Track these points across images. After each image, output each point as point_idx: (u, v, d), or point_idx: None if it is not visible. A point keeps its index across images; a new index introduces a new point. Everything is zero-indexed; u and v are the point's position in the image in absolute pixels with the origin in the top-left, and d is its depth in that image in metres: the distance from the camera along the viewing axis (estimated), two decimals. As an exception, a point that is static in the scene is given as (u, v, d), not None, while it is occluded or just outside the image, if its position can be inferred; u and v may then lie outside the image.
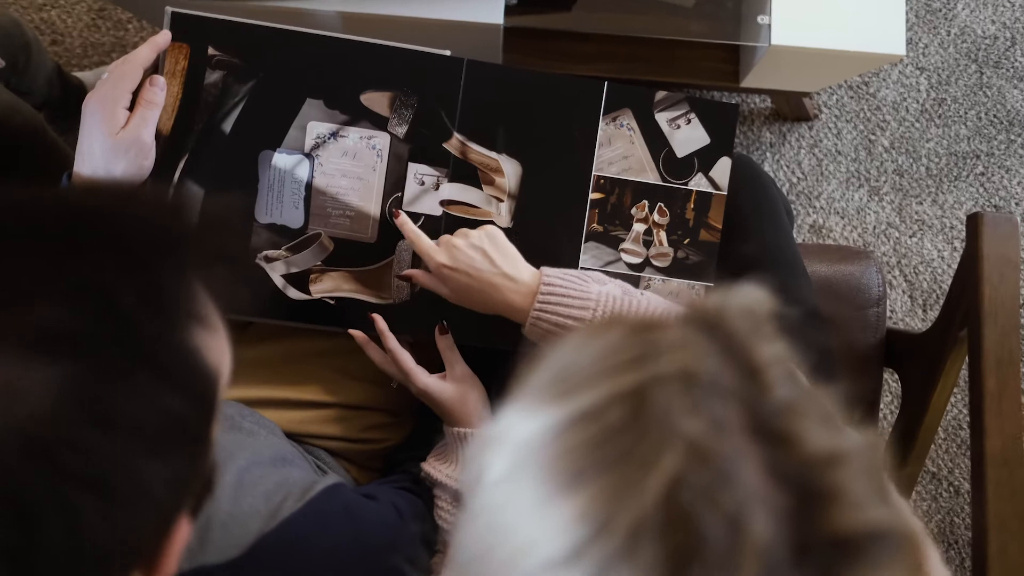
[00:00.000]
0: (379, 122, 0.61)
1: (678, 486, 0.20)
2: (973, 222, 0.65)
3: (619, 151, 0.63)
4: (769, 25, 0.86)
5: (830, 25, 0.86)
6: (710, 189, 0.64)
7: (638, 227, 0.63)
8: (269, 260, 0.62)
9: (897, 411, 0.84)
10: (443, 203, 0.62)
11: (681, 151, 0.63)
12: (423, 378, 0.57)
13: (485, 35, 0.93)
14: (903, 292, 1.18)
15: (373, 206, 0.62)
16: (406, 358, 0.57)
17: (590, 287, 0.53)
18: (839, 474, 0.20)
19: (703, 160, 0.63)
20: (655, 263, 0.63)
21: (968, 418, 0.75)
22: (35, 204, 0.28)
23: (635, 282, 0.63)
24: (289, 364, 0.63)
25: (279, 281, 0.62)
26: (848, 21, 0.87)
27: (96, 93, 0.55)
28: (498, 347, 0.61)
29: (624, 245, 0.63)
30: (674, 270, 0.63)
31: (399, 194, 0.62)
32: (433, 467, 0.56)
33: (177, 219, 0.30)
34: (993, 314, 0.61)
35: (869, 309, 0.78)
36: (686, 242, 0.64)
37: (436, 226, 0.62)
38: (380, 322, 0.59)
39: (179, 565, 0.29)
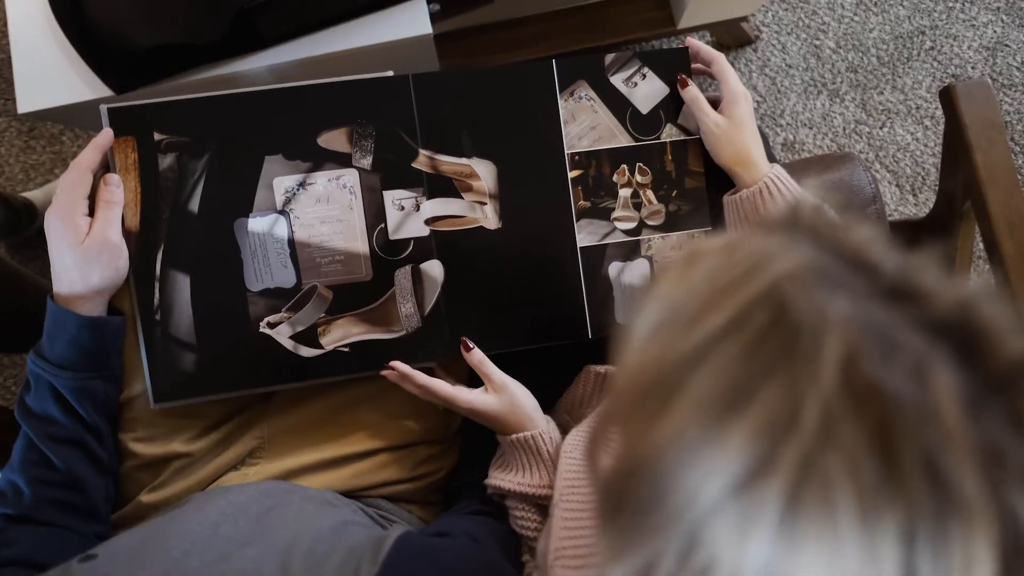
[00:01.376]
0: (343, 160, 0.60)
1: (852, 363, 0.20)
2: (947, 96, 0.65)
3: (585, 123, 0.62)
4: (690, -39, 0.86)
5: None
6: (682, 137, 0.63)
7: (624, 192, 0.62)
8: (272, 325, 0.61)
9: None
10: (428, 222, 0.61)
11: (645, 107, 0.63)
12: (465, 397, 0.56)
13: (417, 49, 0.92)
14: (889, 183, 1.18)
15: (360, 244, 0.61)
16: (441, 386, 0.56)
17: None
18: (982, 313, 0.21)
19: (668, 110, 0.63)
20: (650, 223, 0.63)
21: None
22: None
23: (635, 246, 0.62)
24: (325, 423, 0.62)
25: (288, 344, 0.61)
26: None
27: (52, 209, 0.54)
28: (525, 347, 0.61)
29: (615, 214, 0.62)
30: (670, 224, 0.63)
31: (383, 225, 0.61)
32: (499, 478, 0.55)
33: None
34: (992, 179, 0.61)
35: (868, 208, 0.78)
36: (674, 194, 0.63)
37: (428, 246, 0.61)
38: (400, 366, 0.58)
39: None
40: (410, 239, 0.61)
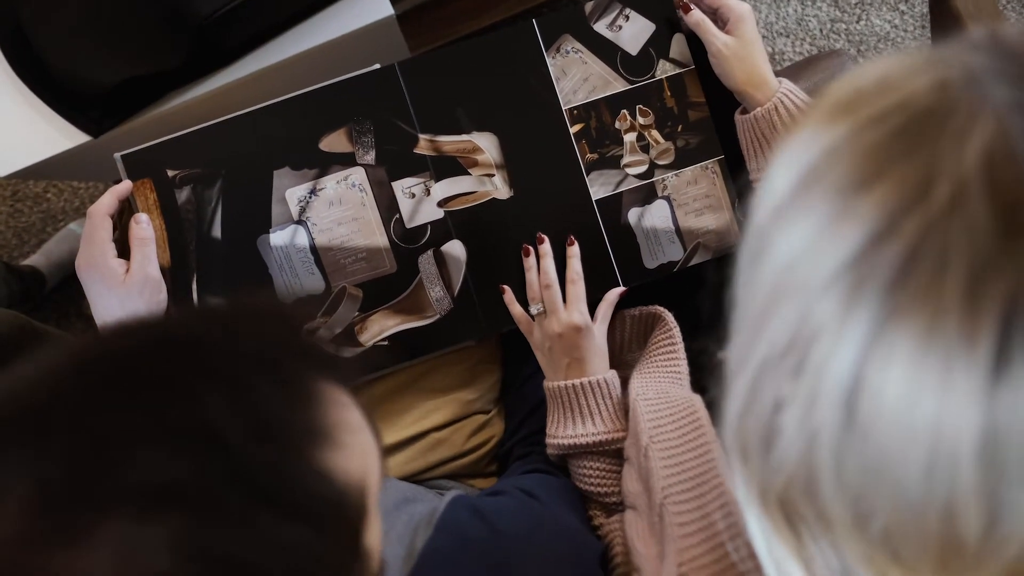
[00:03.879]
0: (347, 160, 0.60)
1: (1000, 144, 0.19)
2: None
3: (577, 76, 0.62)
4: None
5: None
6: (677, 70, 0.62)
7: (629, 137, 0.62)
8: (311, 333, 0.62)
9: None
10: (441, 204, 0.62)
11: (634, 48, 0.62)
12: (581, 319, 0.57)
13: (382, 32, 0.90)
14: (873, 77, 1.18)
15: (380, 238, 0.62)
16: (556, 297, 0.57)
17: None
18: None
19: (658, 47, 0.62)
20: (661, 162, 0.63)
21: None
22: (122, 347, 0.27)
23: (651, 188, 0.63)
24: (375, 411, 0.63)
25: (330, 348, 0.62)
26: None
27: (83, 260, 0.55)
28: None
29: (625, 160, 0.62)
30: (682, 160, 0.63)
31: (397, 215, 0.62)
32: (562, 437, 0.55)
33: (279, 330, 0.29)
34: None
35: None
36: (680, 129, 0.62)
37: (445, 227, 0.62)
38: (508, 294, 0.60)
39: None
40: (426, 224, 0.62)
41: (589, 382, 0.55)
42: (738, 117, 0.58)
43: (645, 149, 0.63)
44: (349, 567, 0.27)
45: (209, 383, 0.25)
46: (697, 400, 0.50)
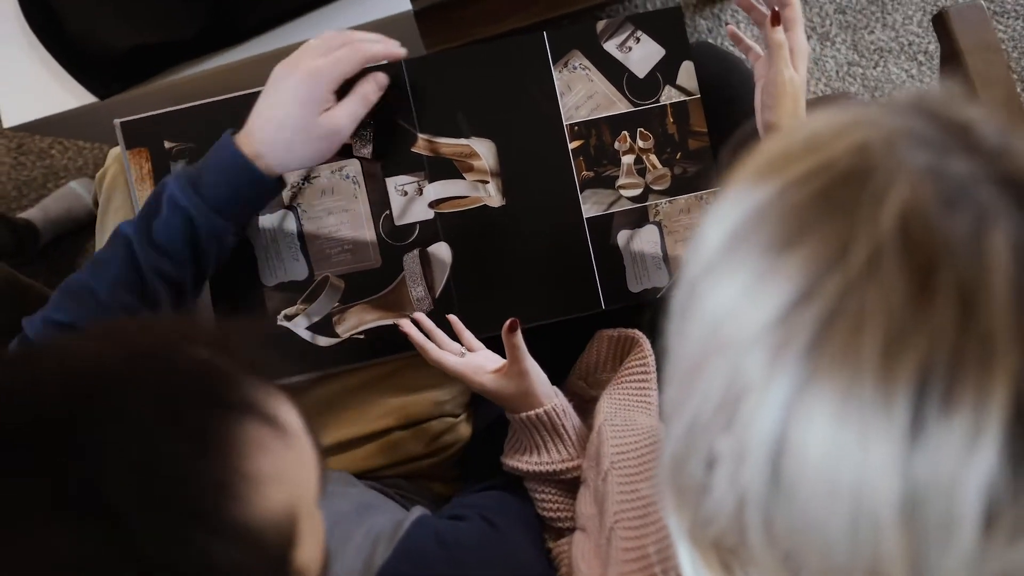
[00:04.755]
0: (343, 151, 0.60)
1: (914, 207, 0.20)
2: (940, 22, 0.63)
3: (582, 93, 0.62)
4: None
5: None
6: (682, 97, 0.62)
7: (627, 159, 0.62)
8: (289, 318, 0.62)
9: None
10: (432, 205, 0.62)
11: (641, 71, 0.62)
12: (478, 379, 0.54)
13: (399, 27, 0.90)
14: (884, 124, 1.18)
15: (367, 232, 0.62)
16: (450, 361, 0.55)
17: None
18: None
19: (665, 72, 0.62)
20: (656, 188, 0.62)
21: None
22: (18, 382, 0.24)
23: (643, 212, 0.62)
24: (340, 405, 0.63)
25: (306, 334, 0.62)
26: None
27: (306, 63, 0.50)
28: (539, 323, 0.61)
29: (620, 181, 0.62)
30: (677, 188, 0.62)
31: (387, 211, 0.61)
32: (516, 460, 0.55)
33: (194, 362, 0.26)
34: (992, 101, 0.60)
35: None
36: (678, 156, 0.62)
37: (433, 229, 0.62)
38: (414, 335, 0.56)
39: None
40: (415, 223, 0.62)
41: (529, 417, 0.53)
42: None
43: (642, 173, 0.62)
44: None
45: (105, 440, 0.23)
46: (663, 430, 0.50)
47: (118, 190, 0.65)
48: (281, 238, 0.61)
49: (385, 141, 0.61)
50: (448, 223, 0.61)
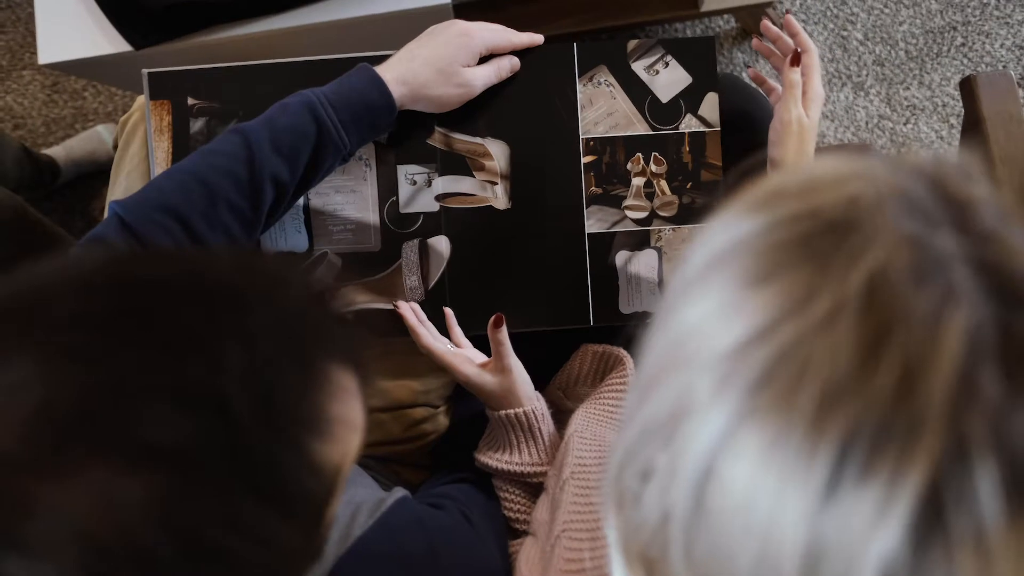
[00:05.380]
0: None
1: (885, 274, 0.20)
2: (967, 86, 0.63)
3: (602, 109, 0.62)
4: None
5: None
6: (702, 128, 0.62)
7: (637, 181, 0.62)
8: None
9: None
10: (438, 198, 0.62)
11: (665, 96, 0.62)
12: (464, 369, 0.55)
13: (436, 19, 0.91)
14: (906, 181, 1.17)
15: (372, 215, 0.62)
16: (441, 352, 0.55)
17: None
18: None
19: (689, 100, 0.62)
20: (662, 213, 0.62)
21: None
22: (163, 276, 0.25)
23: (645, 236, 0.62)
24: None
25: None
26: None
27: (464, 23, 0.56)
28: (525, 330, 0.61)
29: (627, 202, 0.62)
30: (683, 216, 0.62)
31: (394, 198, 0.62)
32: (488, 456, 0.56)
33: (317, 303, 0.28)
34: (1007, 174, 0.60)
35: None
36: (689, 186, 0.62)
37: (437, 222, 0.62)
38: (409, 318, 0.57)
39: None
40: (420, 213, 0.62)
41: (507, 415, 0.54)
42: None
43: (650, 196, 0.62)
44: (305, 549, 0.27)
45: (236, 346, 0.24)
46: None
47: (138, 137, 0.66)
48: (286, 209, 0.61)
49: (402, 128, 0.61)
50: (452, 218, 0.62)
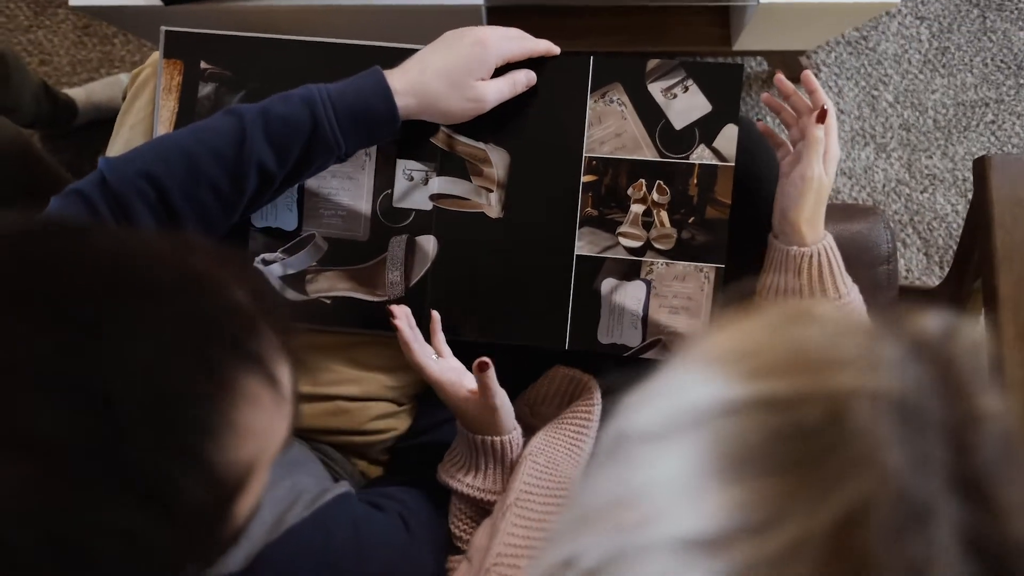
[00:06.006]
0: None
1: (861, 515, 0.18)
2: (980, 165, 0.62)
3: (610, 129, 0.60)
4: (759, -16, 0.84)
5: (822, -21, 0.84)
6: (715, 161, 0.59)
7: (636, 208, 0.60)
8: (266, 263, 0.62)
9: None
10: (433, 198, 0.61)
11: (679, 122, 0.59)
12: (450, 391, 0.53)
13: (466, 18, 0.91)
14: (918, 250, 1.16)
15: (364, 204, 0.62)
16: (429, 366, 0.53)
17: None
18: None
19: (705, 129, 0.59)
20: (657, 246, 0.60)
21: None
22: (62, 254, 0.24)
23: (636, 267, 0.60)
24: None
25: (277, 283, 0.62)
26: (840, -27, 0.84)
27: (481, 30, 0.54)
28: (498, 342, 0.61)
29: (622, 228, 0.60)
30: (679, 252, 0.60)
31: (389, 191, 0.61)
32: (452, 477, 0.54)
33: (236, 299, 0.26)
34: (1008, 259, 0.58)
35: (879, 267, 0.76)
36: (691, 221, 0.59)
37: (427, 221, 0.61)
38: (404, 331, 0.54)
39: None
40: (412, 210, 0.61)
41: (483, 440, 0.52)
42: (778, 243, 0.55)
43: (647, 226, 0.60)
44: (194, 548, 0.26)
45: (132, 343, 0.23)
46: (574, 488, 0.49)
47: (147, 92, 0.66)
48: (279, 185, 0.61)
49: (408, 123, 0.61)
50: (443, 220, 0.61)
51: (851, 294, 0.53)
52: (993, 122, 1.19)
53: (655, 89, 0.59)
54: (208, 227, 0.50)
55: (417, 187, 0.61)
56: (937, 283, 1.13)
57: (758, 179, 0.61)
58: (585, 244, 0.61)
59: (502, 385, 0.54)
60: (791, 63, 1.13)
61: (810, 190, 0.52)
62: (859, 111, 1.19)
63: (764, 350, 0.21)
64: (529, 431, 0.57)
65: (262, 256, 0.62)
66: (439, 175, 0.61)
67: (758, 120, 0.61)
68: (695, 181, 0.59)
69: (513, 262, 0.60)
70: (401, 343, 0.54)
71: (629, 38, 0.98)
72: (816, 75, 1.19)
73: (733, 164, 0.59)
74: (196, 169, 0.47)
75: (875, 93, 1.20)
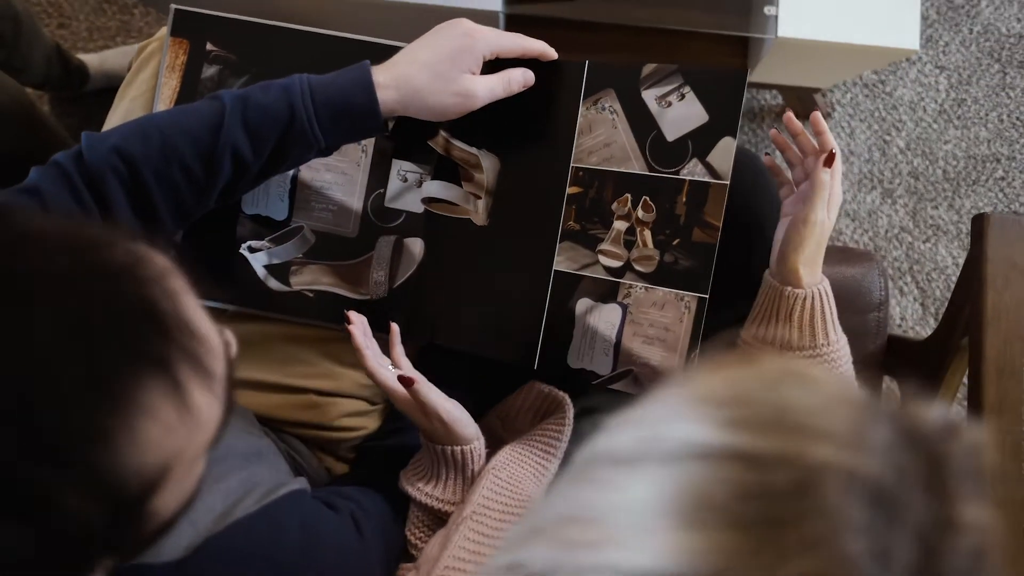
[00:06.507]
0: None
1: None
2: (979, 223, 0.62)
3: (600, 138, 0.56)
4: (776, 16, 0.83)
5: (840, 17, 0.83)
6: (707, 178, 0.54)
7: (619, 225, 0.56)
8: (252, 250, 0.62)
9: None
10: (425, 201, 0.61)
11: (672, 134, 0.55)
12: (404, 400, 0.52)
13: (484, 23, 0.91)
14: (914, 300, 1.15)
15: (356, 201, 0.61)
16: (383, 376, 0.52)
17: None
18: None
19: (699, 142, 0.54)
20: (637, 267, 0.56)
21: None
22: None
23: (613, 288, 0.57)
24: (268, 345, 0.62)
25: (261, 272, 0.62)
26: (859, 13, 0.83)
27: (472, 24, 0.52)
28: (470, 352, 0.60)
29: (602, 246, 0.57)
30: (660, 276, 0.55)
31: (381, 190, 0.61)
32: (413, 487, 0.54)
33: (140, 295, 0.25)
34: (996, 320, 0.58)
35: (870, 313, 0.75)
36: (675, 243, 0.55)
37: (417, 223, 0.61)
38: (357, 337, 0.52)
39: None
40: (403, 211, 0.61)
41: (444, 450, 0.52)
42: (774, 282, 0.53)
43: (629, 245, 0.56)
44: (96, 549, 0.25)
45: (10, 346, 0.22)
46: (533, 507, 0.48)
47: (151, 66, 0.66)
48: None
49: (408, 122, 0.60)
50: (432, 224, 0.61)
51: (839, 342, 0.52)
52: (1003, 178, 1.18)
53: (649, 96, 0.55)
54: (179, 209, 0.49)
55: (410, 189, 0.61)
56: (928, 334, 1.13)
57: (756, 215, 0.60)
58: (564, 259, 0.58)
59: (477, 395, 0.53)
60: (806, 100, 1.13)
61: (812, 234, 0.51)
62: (869, 154, 1.18)
63: (751, 402, 0.21)
64: (499, 444, 0.57)
65: (249, 243, 0.62)
66: (433, 179, 0.61)
67: (766, 154, 0.59)
68: (684, 199, 0.54)
69: (492, 272, 0.59)
70: (355, 349, 0.53)
71: (646, 58, 0.98)
72: (830, 114, 1.18)
73: (727, 182, 0.53)
74: (170, 151, 0.47)
75: (887, 138, 1.19)
